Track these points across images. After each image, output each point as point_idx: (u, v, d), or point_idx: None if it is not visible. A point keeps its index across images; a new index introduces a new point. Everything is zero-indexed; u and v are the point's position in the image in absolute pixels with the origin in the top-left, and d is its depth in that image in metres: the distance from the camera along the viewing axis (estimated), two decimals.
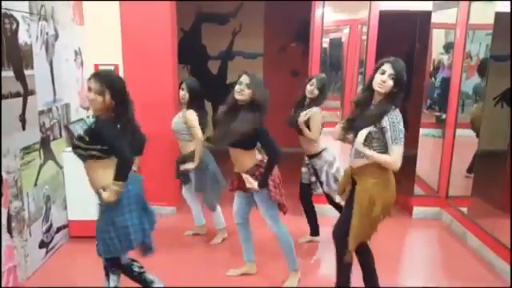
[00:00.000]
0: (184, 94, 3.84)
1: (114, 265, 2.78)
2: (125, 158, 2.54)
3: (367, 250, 2.98)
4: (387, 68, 2.64)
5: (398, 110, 2.66)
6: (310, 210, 4.15)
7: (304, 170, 4.03)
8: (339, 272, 3.02)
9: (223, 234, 4.17)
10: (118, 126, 2.57)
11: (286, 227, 3.32)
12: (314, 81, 3.78)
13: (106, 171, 2.56)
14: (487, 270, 3.76)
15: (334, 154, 3.91)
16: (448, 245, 4.29)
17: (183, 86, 3.85)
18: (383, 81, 2.63)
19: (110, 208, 2.59)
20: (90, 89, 2.56)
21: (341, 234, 2.91)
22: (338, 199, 3.90)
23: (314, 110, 3.74)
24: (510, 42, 3.68)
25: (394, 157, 2.62)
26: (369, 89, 2.75)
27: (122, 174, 2.54)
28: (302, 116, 3.72)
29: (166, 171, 4.14)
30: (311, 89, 3.77)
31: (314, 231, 4.21)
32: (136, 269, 2.90)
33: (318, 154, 3.86)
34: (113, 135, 2.53)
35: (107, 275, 2.82)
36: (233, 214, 3.45)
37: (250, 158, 3.14)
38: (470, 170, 4.58)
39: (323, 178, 3.86)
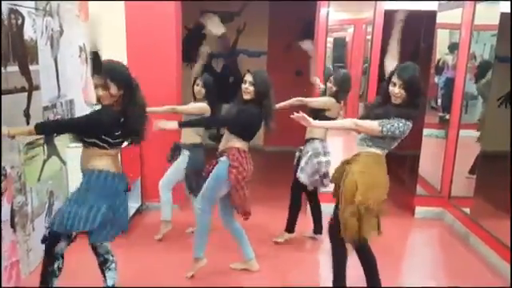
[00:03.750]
0: (199, 89, 3.94)
1: (48, 244, 2.78)
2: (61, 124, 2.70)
3: (368, 251, 2.96)
4: (395, 79, 2.68)
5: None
6: (294, 203, 4.12)
7: (296, 153, 4.06)
8: (333, 270, 3.04)
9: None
10: (122, 119, 2.58)
11: (209, 218, 3.36)
12: (331, 78, 3.87)
13: (103, 158, 2.61)
14: (489, 270, 3.75)
15: (329, 151, 3.92)
16: (450, 245, 4.29)
17: (198, 81, 3.96)
18: (396, 93, 2.69)
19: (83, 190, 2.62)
20: (96, 86, 2.57)
21: (333, 230, 2.94)
22: (309, 188, 3.97)
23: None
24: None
25: (360, 122, 2.73)
26: (384, 99, 2.80)
27: (40, 127, 2.59)
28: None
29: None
30: (329, 86, 3.87)
31: (289, 228, 4.17)
32: (55, 265, 2.79)
33: (312, 139, 3.89)
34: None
35: (103, 272, 2.82)
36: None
37: (237, 141, 3.24)
38: (472, 171, 4.57)
39: (302, 162, 3.88)
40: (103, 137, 2.56)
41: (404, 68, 2.69)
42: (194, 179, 3.96)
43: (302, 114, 2.72)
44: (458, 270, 3.83)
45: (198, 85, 3.97)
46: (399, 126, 2.65)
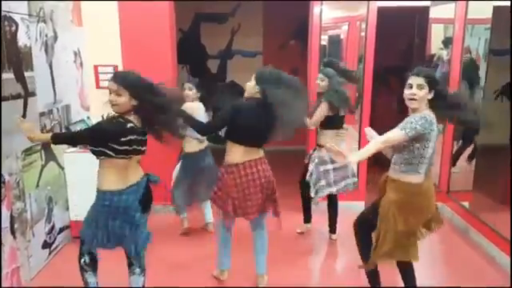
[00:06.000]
0: (187, 92, 4.02)
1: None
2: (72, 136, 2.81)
3: (409, 267, 3.00)
4: (412, 80, 2.58)
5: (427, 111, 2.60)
6: (303, 197, 4.23)
7: (307, 157, 4.15)
8: (367, 275, 3.05)
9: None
10: (130, 125, 2.55)
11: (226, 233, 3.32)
12: (321, 75, 3.94)
13: (109, 175, 2.59)
14: (489, 264, 3.76)
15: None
16: (449, 239, 4.29)
17: (185, 85, 4.04)
18: (413, 94, 2.56)
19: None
20: (110, 90, 2.55)
21: (361, 227, 2.97)
22: (312, 194, 3.98)
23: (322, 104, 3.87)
24: (509, 36, 3.68)
25: (383, 137, 2.55)
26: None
27: (56, 139, 2.69)
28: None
29: (166, 171, 4.14)
30: (316, 83, 3.96)
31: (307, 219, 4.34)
32: (82, 261, 2.82)
33: (320, 147, 3.95)
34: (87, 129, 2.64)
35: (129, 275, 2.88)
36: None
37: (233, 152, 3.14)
38: (470, 159, 4.60)
39: (310, 168, 3.98)
40: (110, 144, 2.52)
41: (419, 69, 2.60)
42: (188, 188, 4.09)
43: (336, 148, 2.53)
44: (458, 264, 3.84)
45: (185, 89, 4.02)
46: (416, 120, 2.51)
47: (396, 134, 2.53)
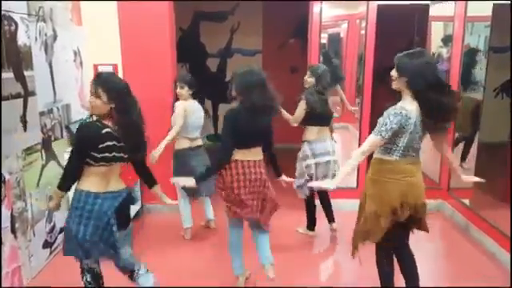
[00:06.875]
0: (180, 91, 4.00)
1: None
2: (66, 169, 2.59)
3: (408, 254, 3.01)
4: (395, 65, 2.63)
5: (408, 101, 2.56)
6: (307, 202, 4.18)
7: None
8: (379, 275, 3.03)
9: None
10: (106, 130, 2.45)
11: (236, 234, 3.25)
12: (308, 72, 3.97)
13: (89, 178, 2.53)
14: (489, 260, 3.77)
15: (324, 152, 3.93)
16: (450, 236, 4.30)
17: (179, 84, 4.01)
18: (391, 74, 2.62)
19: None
20: (91, 92, 2.53)
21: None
22: (295, 186, 3.96)
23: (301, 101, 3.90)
24: (509, 33, 3.68)
25: (362, 148, 2.65)
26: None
27: (60, 184, 2.59)
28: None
29: (164, 170, 4.14)
30: (304, 79, 3.97)
31: (310, 225, 4.27)
32: (84, 279, 2.72)
33: (303, 142, 3.99)
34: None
35: (136, 282, 2.79)
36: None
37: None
38: (462, 158, 4.62)
39: (297, 165, 4.00)
40: (90, 153, 2.45)
41: (401, 54, 2.61)
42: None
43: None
44: (459, 261, 3.84)
45: (177, 88, 4.01)
46: (391, 120, 2.51)
47: (373, 141, 2.60)
